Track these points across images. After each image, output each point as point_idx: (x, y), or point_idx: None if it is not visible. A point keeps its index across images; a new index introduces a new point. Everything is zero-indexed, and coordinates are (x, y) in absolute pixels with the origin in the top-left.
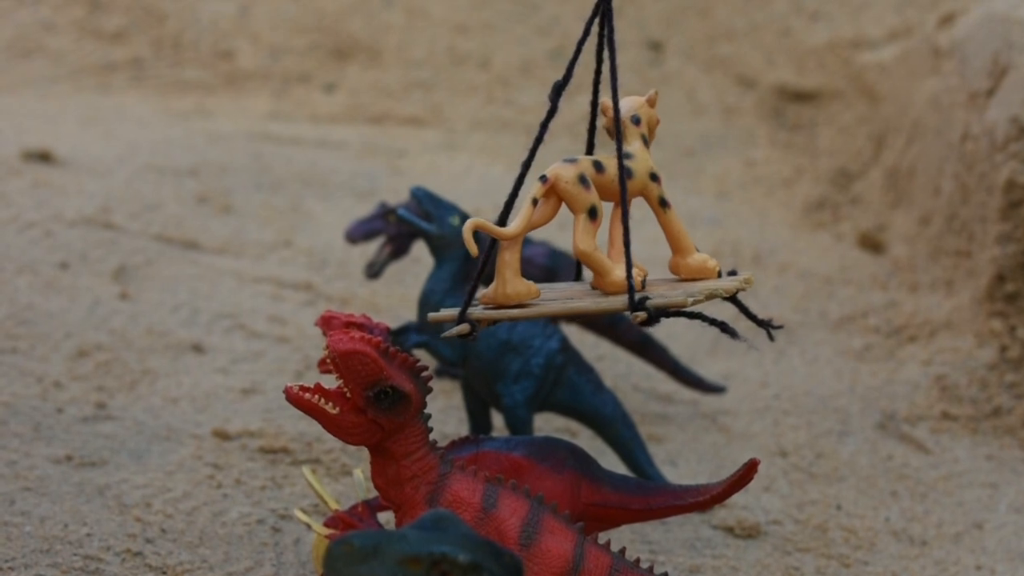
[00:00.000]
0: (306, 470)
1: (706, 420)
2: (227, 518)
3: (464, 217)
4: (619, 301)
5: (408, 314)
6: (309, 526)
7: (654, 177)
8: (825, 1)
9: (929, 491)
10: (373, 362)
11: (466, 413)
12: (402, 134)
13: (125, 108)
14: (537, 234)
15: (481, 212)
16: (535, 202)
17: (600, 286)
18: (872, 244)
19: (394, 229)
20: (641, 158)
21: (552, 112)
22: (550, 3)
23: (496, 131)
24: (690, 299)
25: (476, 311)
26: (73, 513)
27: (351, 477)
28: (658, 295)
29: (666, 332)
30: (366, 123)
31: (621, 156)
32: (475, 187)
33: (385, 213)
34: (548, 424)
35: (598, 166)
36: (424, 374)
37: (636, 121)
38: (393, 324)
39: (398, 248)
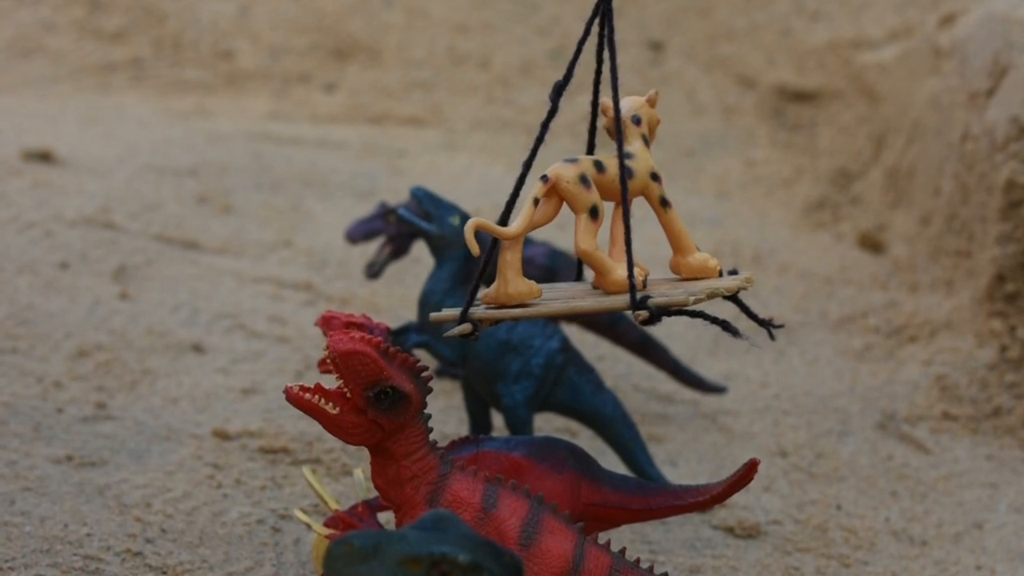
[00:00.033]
0: (306, 470)
1: (706, 420)
2: (227, 518)
3: (464, 217)
4: (621, 300)
5: (408, 314)
6: (309, 526)
7: (655, 177)
8: (825, 1)
9: (929, 491)
10: (373, 362)
11: (466, 413)
12: (402, 134)
13: (125, 108)
14: (537, 234)
15: (481, 212)
16: (536, 202)
17: (602, 285)
18: (872, 244)
19: (394, 229)
20: (642, 158)
21: (553, 112)
22: (550, 3)
23: (496, 131)
24: (692, 298)
25: (478, 311)
26: (73, 513)
27: (351, 477)
28: (660, 294)
29: (666, 332)
30: (366, 123)
31: (622, 156)
32: (475, 187)
33: (385, 213)
34: (548, 424)
35: (599, 166)
36: (424, 374)
37: (637, 121)
38: (393, 324)
39: (398, 248)
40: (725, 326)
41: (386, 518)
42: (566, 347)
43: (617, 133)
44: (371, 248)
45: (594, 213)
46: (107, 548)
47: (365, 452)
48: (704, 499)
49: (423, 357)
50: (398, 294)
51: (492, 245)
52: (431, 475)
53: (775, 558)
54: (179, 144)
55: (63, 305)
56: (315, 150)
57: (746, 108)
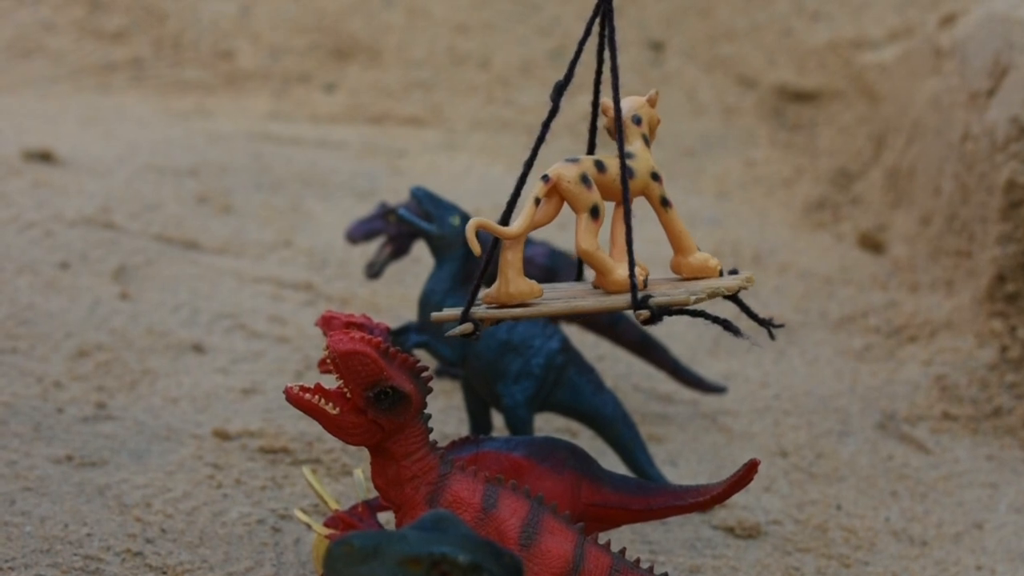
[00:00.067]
0: (306, 470)
1: (706, 420)
2: (227, 518)
3: (464, 217)
4: (622, 300)
5: (408, 314)
6: (309, 526)
7: (655, 176)
8: (826, 1)
9: (929, 491)
10: (373, 362)
11: (466, 413)
12: (402, 134)
13: (125, 108)
14: (538, 234)
15: (481, 212)
16: (537, 201)
17: (602, 285)
18: (872, 244)
19: (394, 229)
20: (642, 158)
21: (554, 112)
22: (551, 3)
23: (496, 131)
24: (693, 297)
25: (479, 310)
26: (73, 513)
27: (351, 477)
28: (661, 293)
29: (666, 332)
30: (366, 123)
31: (623, 155)
32: (475, 187)
33: (385, 213)
34: (548, 424)
35: (600, 166)
36: (424, 374)
37: (637, 121)
38: (393, 324)
39: (398, 248)
40: (726, 325)
41: (386, 518)
42: (566, 347)
43: (618, 133)
44: (371, 248)
45: (595, 213)
46: (107, 548)
47: (365, 452)
48: (704, 499)
49: (423, 357)
50: (398, 294)
51: (493, 245)
52: (431, 475)
53: (775, 558)
54: (179, 144)
55: (63, 305)
56: (315, 150)
57: (746, 108)
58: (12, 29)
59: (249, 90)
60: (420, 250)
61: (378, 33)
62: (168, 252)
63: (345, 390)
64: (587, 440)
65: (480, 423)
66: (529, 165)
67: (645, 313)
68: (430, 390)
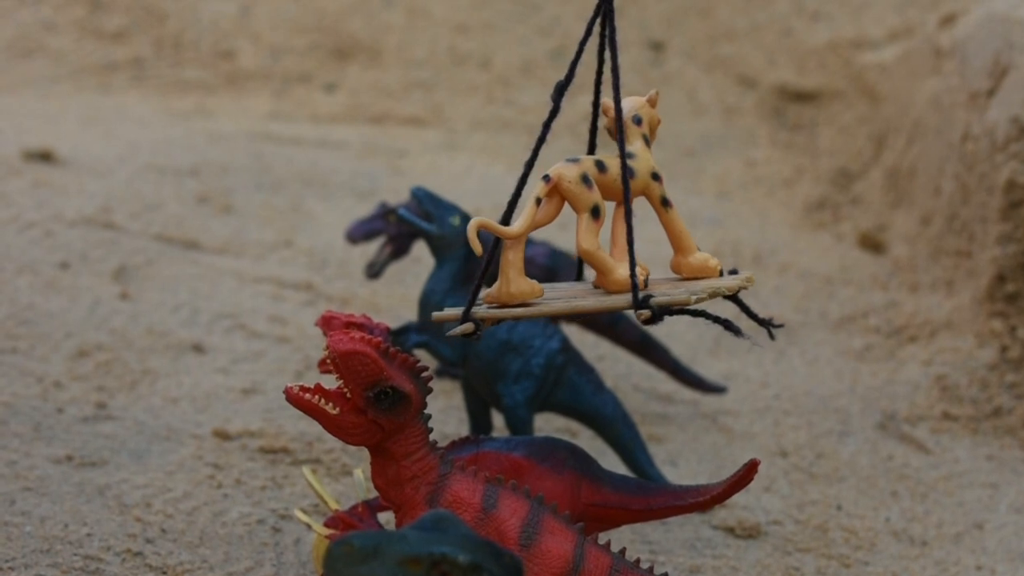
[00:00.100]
0: (306, 470)
1: (706, 420)
2: (227, 518)
3: (465, 217)
4: (623, 299)
5: (408, 314)
6: (309, 526)
7: (656, 176)
8: (826, 1)
9: (929, 491)
10: (373, 362)
11: (466, 413)
12: (402, 134)
13: (126, 108)
14: (538, 234)
15: (482, 212)
16: (538, 201)
17: (603, 285)
18: (872, 244)
19: (394, 229)
20: (643, 158)
21: (555, 112)
22: (551, 3)
23: (497, 131)
24: (693, 297)
25: (480, 310)
26: (73, 513)
27: (351, 477)
28: (661, 293)
29: (666, 332)
30: (366, 123)
31: (624, 155)
32: (475, 187)
33: (385, 213)
34: (548, 424)
35: (600, 166)
36: (424, 374)
37: (637, 121)
38: (393, 324)
39: (398, 248)
40: (727, 325)
41: (386, 518)
42: (566, 347)
43: (618, 133)
44: (371, 248)
45: (596, 213)
46: (107, 548)
47: (365, 452)
48: (704, 499)
49: (423, 357)
50: (398, 294)
51: (494, 245)
52: (431, 475)
53: (775, 558)
54: (180, 144)
55: (63, 305)
56: (316, 150)
57: (747, 108)
58: (13, 29)
59: (249, 90)
60: (420, 250)
61: (378, 33)
62: (168, 252)
63: (345, 390)
64: (587, 440)
65: (480, 423)
66: (530, 165)
67: (646, 313)
68: (430, 390)
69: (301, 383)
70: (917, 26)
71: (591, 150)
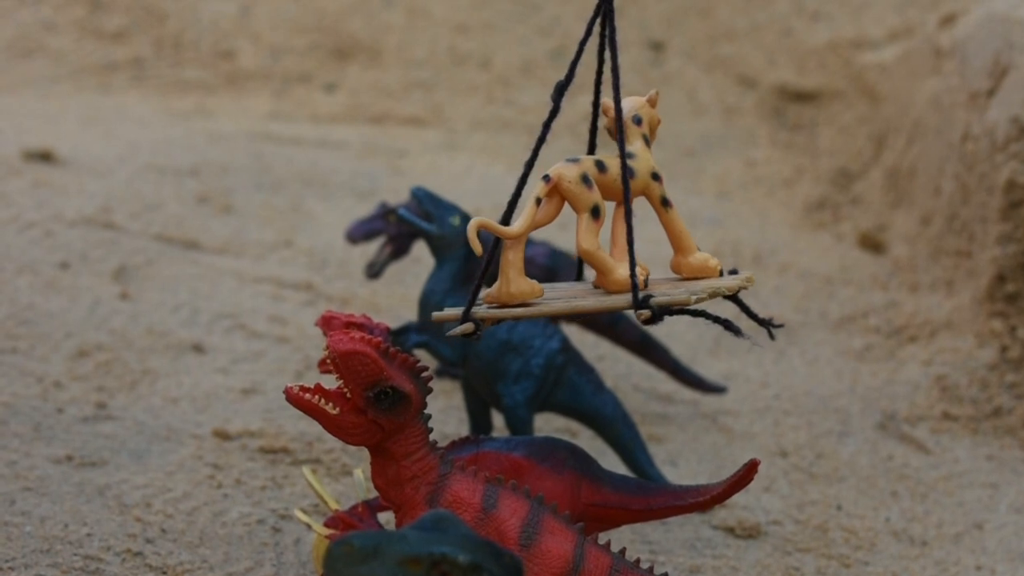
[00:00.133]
0: (306, 470)
1: (706, 420)
2: (227, 518)
3: (465, 217)
4: (623, 299)
5: (408, 314)
6: (309, 526)
7: (656, 176)
8: (826, 1)
9: (929, 491)
10: (373, 362)
11: (466, 413)
12: (402, 134)
13: (126, 108)
14: (538, 234)
15: (482, 212)
16: (539, 201)
17: (603, 285)
18: (872, 244)
19: (394, 229)
20: (643, 158)
21: (554, 112)
22: (551, 3)
23: (497, 131)
24: (693, 297)
25: (480, 310)
26: (73, 513)
27: (351, 477)
28: (661, 293)
29: (666, 332)
30: (366, 123)
31: (624, 155)
32: (475, 187)
33: (385, 213)
34: (548, 424)
35: (600, 166)
36: (424, 374)
37: (637, 121)
38: (393, 324)
39: (398, 248)
40: (727, 325)
41: (386, 518)
42: (566, 347)
43: (619, 133)
44: (371, 248)
45: (596, 213)
46: (107, 548)
47: (365, 452)
48: (704, 499)
49: (423, 357)
50: (398, 294)
51: (494, 245)
52: (431, 475)
53: (775, 558)
54: (180, 144)
55: (63, 305)
56: (316, 150)
57: (747, 108)
58: (13, 29)
59: (249, 90)
60: (420, 250)
61: (378, 33)
62: (168, 252)
63: (345, 390)
64: (587, 440)
65: (480, 423)
66: (530, 165)
67: (646, 313)
68: (430, 390)
69: (301, 383)
70: (917, 26)
71: (591, 150)
